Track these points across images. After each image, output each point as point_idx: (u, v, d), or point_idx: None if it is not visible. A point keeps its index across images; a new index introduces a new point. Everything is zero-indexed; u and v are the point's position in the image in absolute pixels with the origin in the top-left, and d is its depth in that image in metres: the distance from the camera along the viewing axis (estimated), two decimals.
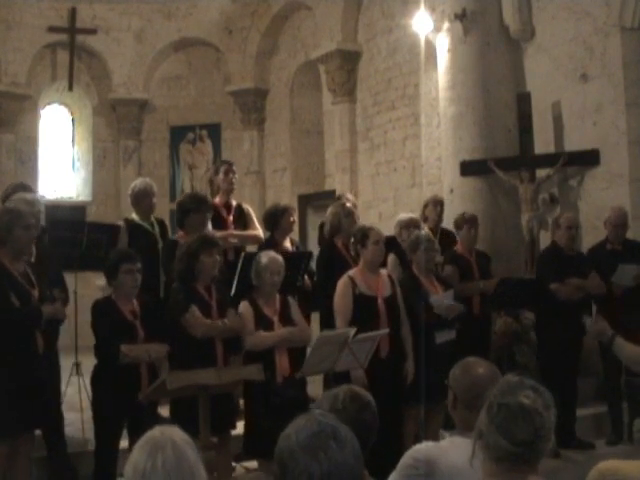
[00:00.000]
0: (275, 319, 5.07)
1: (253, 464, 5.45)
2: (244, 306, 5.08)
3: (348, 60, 10.82)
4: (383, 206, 10.31)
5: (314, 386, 5.49)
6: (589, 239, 7.31)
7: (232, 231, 6.47)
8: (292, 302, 5.26)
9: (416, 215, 6.90)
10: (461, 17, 8.07)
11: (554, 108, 8.05)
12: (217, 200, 6.59)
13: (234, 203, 6.69)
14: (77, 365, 5.94)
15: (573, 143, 7.88)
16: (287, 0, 11.88)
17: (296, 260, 5.99)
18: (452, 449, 2.55)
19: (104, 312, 4.75)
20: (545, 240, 7.62)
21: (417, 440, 4.19)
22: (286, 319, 5.11)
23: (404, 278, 5.70)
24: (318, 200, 11.30)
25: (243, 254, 5.97)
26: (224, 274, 5.27)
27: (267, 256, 5.17)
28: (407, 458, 2.59)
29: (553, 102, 8.05)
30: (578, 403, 6.38)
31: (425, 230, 6.33)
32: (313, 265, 6.31)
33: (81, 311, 5.93)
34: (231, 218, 6.56)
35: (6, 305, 4.31)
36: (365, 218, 7.57)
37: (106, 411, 4.68)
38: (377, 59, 10.55)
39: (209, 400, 4.33)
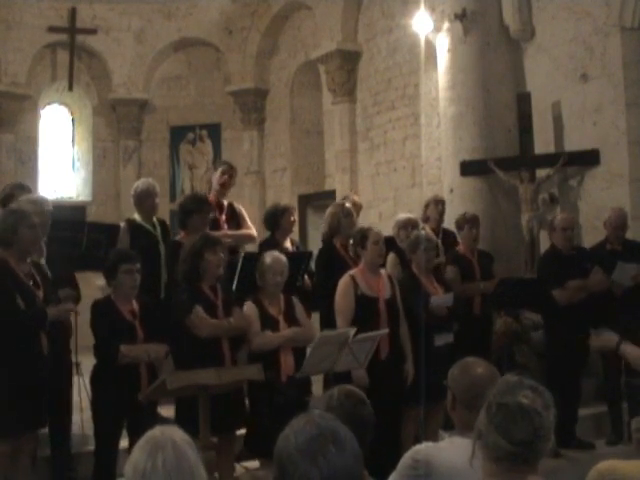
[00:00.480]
0: (280, 319, 5.08)
1: (253, 464, 5.45)
2: (249, 306, 5.09)
3: (348, 60, 10.83)
4: (383, 206, 10.31)
5: (317, 386, 5.48)
6: (589, 239, 7.31)
7: (226, 231, 6.46)
8: (296, 302, 5.27)
9: (415, 215, 6.89)
10: (461, 17, 8.07)
11: (554, 108, 8.05)
12: (209, 199, 6.58)
13: (225, 203, 6.67)
14: (77, 365, 5.94)
15: (573, 143, 7.88)
16: (287, 0, 11.88)
17: (296, 260, 5.99)
18: (451, 449, 2.55)
19: (103, 312, 4.75)
20: (545, 240, 7.62)
21: (417, 440, 4.20)
22: (291, 319, 5.13)
23: (404, 278, 5.70)
24: (318, 200, 11.30)
25: (243, 254, 5.98)
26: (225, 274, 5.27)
27: (271, 256, 5.18)
28: (407, 459, 2.59)
29: (553, 102, 8.05)
30: None
31: (426, 230, 6.33)
32: (313, 265, 6.31)
33: (81, 311, 5.92)
34: (224, 218, 6.55)
35: (12, 307, 4.32)
36: (365, 218, 7.57)
37: (106, 411, 4.68)
38: (377, 59, 10.55)
39: (209, 400, 4.33)
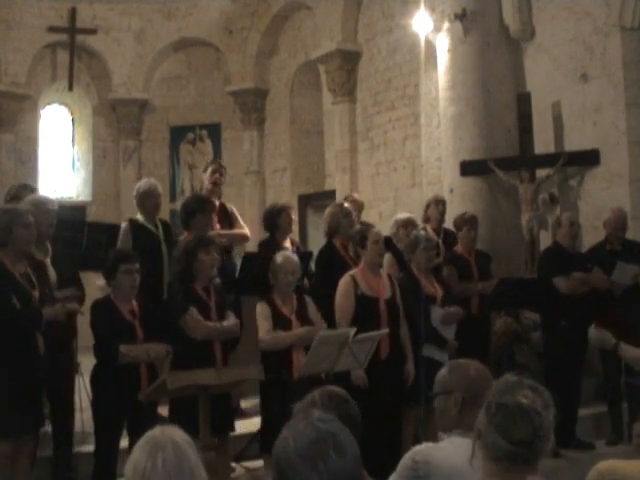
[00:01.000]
0: (293, 318, 5.10)
1: (253, 464, 5.46)
2: (261, 306, 5.10)
3: (348, 60, 10.83)
4: (383, 206, 10.31)
5: None
6: (589, 239, 7.31)
7: (220, 231, 6.45)
8: (309, 301, 5.29)
9: (414, 215, 6.89)
10: (461, 17, 8.07)
11: (554, 108, 8.05)
12: None
13: (217, 203, 6.66)
14: (77, 365, 5.94)
15: (573, 143, 7.88)
16: (287, 0, 11.88)
17: None
18: (451, 450, 2.54)
19: (103, 312, 4.75)
20: (545, 240, 7.63)
21: (416, 441, 4.20)
22: (304, 318, 5.15)
23: (403, 278, 5.69)
24: (318, 200, 11.29)
25: (243, 254, 5.98)
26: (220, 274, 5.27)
27: (282, 256, 5.22)
28: (406, 459, 2.59)
29: (553, 102, 8.05)
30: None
31: (427, 229, 6.32)
32: (313, 265, 6.31)
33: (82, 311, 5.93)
34: (216, 218, 6.54)
35: (7, 307, 4.30)
36: (365, 218, 7.54)
37: (106, 411, 4.67)
38: (377, 59, 10.55)
39: (209, 400, 4.33)
